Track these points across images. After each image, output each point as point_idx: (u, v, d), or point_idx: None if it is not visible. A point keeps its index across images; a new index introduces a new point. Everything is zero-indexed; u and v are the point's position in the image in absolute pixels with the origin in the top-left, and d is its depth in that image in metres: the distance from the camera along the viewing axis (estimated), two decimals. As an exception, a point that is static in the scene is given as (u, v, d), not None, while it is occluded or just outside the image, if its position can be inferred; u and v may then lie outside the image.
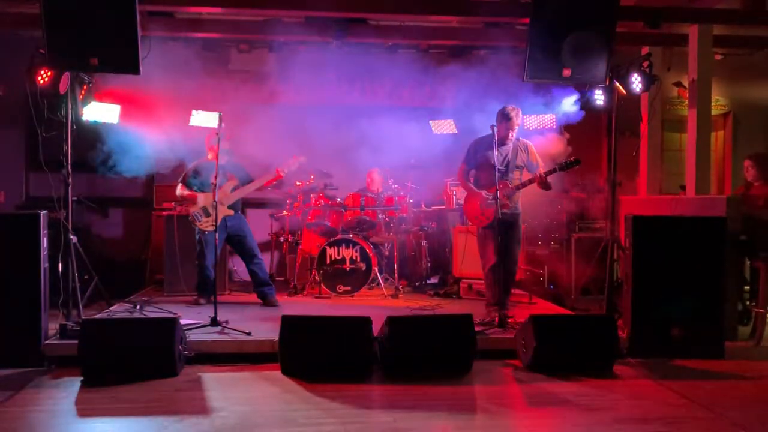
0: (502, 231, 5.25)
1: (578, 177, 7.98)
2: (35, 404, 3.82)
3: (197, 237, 6.12)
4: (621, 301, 5.22)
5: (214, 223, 5.60)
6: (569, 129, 6.84)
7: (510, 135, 5.43)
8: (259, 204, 7.74)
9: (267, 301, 6.17)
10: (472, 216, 5.65)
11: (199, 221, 6.04)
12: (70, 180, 4.96)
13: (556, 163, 5.37)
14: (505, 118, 5.42)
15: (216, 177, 5.29)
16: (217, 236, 5.46)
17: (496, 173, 5.19)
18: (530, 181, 5.40)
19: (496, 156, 5.26)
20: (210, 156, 6.14)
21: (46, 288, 4.65)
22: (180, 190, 6.21)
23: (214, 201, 5.32)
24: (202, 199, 6.03)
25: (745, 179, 6.38)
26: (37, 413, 3.67)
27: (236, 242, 6.26)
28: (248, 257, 6.25)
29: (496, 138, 5.26)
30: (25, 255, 4.54)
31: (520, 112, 5.51)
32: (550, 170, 5.32)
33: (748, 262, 5.81)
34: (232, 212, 6.07)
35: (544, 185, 5.34)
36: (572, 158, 5.25)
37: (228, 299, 6.47)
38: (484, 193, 5.49)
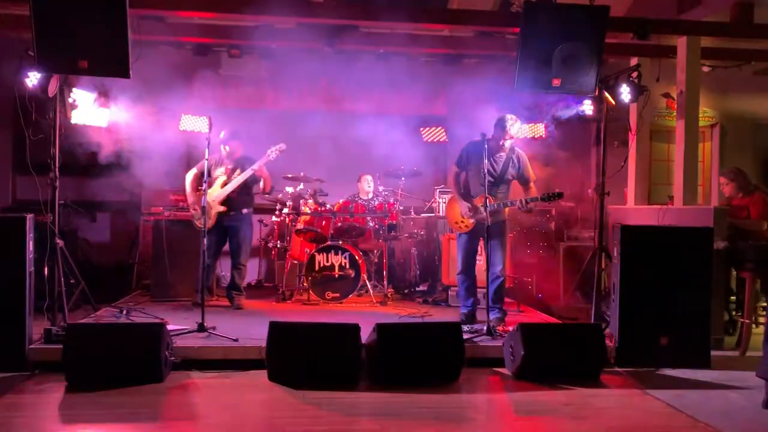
0: (484, 238, 5.27)
1: (567, 186, 8.04)
2: (18, 410, 3.77)
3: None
4: (609, 310, 5.25)
5: (209, 221, 5.59)
6: (559, 138, 6.88)
7: (503, 145, 5.44)
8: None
9: (233, 304, 6.27)
10: (452, 221, 5.72)
11: (197, 219, 6.04)
12: (57, 183, 4.92)
13: (541, 193, 5.40)
14: (500, 126, 5.43)
15: (205, 177, 5.28)
16: (208, 236, 5.42)
17: (486, 183, 5.21)
18: (511, 203, 5.46)
19: (486, 165, 5.24)
20: (221, 154, 6.16)
21: (32, 292, 4.59)
22: (190, 176, 6.20)
23: (201, 201, 5.33)
24: (197, 197, 6.03)
25: (724, 195, 6.44)
26: (20, 419, 3.63)
27: (230, 241, 6.26)
28: (234, 259, 6.29)
29: (486, 146, 5.24)
30: (11, 258, 4.49)
31: (518, 123, 5.50)
32: (533, 199, 5.39)
33: (734, 273, 5.86)
34: (225, 209, 6.02)
35: (525, 210, 5.44)
36: (557, 191, 5.34)
37: (216, 304, 6.43)
38: (466, 206, 5.55)
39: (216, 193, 6.03)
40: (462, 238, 5.68)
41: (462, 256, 5.69)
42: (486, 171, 5.21)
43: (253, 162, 6.14)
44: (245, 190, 6.24)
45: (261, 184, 6.23)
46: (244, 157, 6.21)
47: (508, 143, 5.47)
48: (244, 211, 6.25)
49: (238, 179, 6.10)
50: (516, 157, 5.57)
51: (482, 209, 5.32)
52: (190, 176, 6.19)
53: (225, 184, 6.08)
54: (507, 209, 5.56)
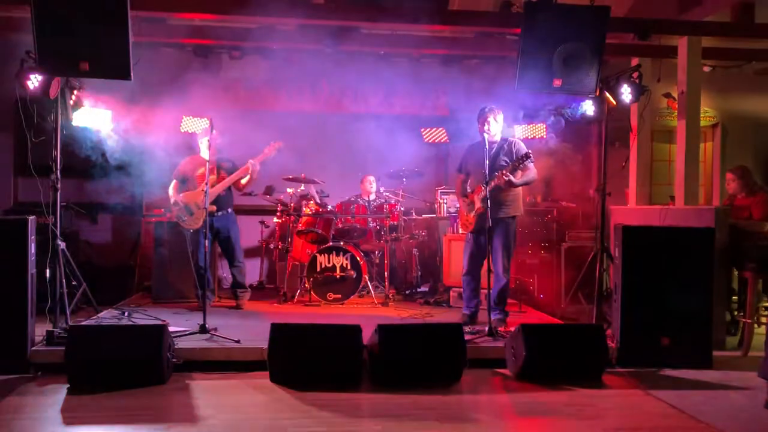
0: (487, 237, 5.28)
1: (568, 186, 8.04)
2: (20, 412, 3.77)
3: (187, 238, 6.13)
4: (610, 310, 5.24)
5: (197, 222, 5.57)
6: (560, 138, 6.87)
7: (486, 134, 5.39)
8: (250, 211, 7.72)
9: (237, 303, 6.33)
10: (463, 223, 5.75)
11: (183, 221, 6.04)
12: (58, 185, 4.93)
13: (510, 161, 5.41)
14: (478, 116, 5.52)
15: (207, 178, 5.27)
16: (200, 237, 5.41)
17: (482, 176, 5.28)
18: (497, 186, 5.37)
19: (480, 159, 5.32)
20: (200, 153, 6.16)
21: (34, 294, 4.60)
22: (171, 189, 6.21)
23: (197, 203, 5.33)
24: (184, 197, 6.03)
25: (728, 192, 6.46)
26: (22, 421, 3.63)
27: (221, 241, 6.27)
28: (230, 259, 6.33)
29: (482, 142, 5.35)
30: (13, 260, 4.50)
31: (495, 111, 5.51)
32: (506, 169, 5.35)
33: (735, 273, 5.85)
34: (215, 208, 6.01)
35: (507, 184, 5.35)
36: (524, 152, 5.32)
37: (217, 305, 6.44)
38: (465, 203, 5.62)
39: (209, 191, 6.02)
40: (468, 239, 5.69)
41: (467, 257, 5.69)
42: (483, 163, 5.25)
43: (230, 162, 6.16)
44: (230, 188, 6.25)
45: (244, 180, 6.18)
46: (222, 158, 6.19)
47: (494, 128, 5.46)
48: (229, 210, 6.27)
49: (233, 177, 6.09)
50: (508, 144, 5.56)
51: (477, 200, 5.43)
52: (170, 188, 6.23)
53: (214, 183, 6.05)
54: (512, 210, 5.52)
